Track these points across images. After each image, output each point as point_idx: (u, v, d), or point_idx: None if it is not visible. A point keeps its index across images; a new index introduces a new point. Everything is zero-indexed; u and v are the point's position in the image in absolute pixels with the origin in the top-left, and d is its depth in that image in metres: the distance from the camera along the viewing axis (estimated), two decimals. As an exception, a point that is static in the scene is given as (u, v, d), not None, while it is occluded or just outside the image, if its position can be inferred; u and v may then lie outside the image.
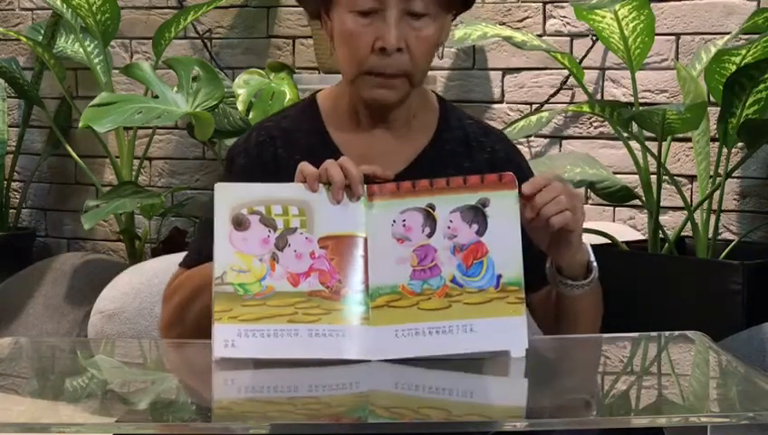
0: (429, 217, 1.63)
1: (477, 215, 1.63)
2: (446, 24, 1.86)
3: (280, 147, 1.87)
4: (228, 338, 1.54)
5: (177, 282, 1.86)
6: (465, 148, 1.89)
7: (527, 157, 3.64)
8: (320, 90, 1.96)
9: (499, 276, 1.62)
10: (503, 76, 3.72)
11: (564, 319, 1.83)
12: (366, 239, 1.62)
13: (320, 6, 1.85)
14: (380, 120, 1.87)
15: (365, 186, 1.65)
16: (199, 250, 1.83)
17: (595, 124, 3.62)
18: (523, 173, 1.84)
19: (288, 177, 1.66)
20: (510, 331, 1.60)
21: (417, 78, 1.82)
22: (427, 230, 1.63)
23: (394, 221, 1.63)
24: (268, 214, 1.60)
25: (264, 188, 1.63)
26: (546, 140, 3.68)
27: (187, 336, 1.79)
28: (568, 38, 3.64)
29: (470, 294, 1.61)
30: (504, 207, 1.64)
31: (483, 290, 1.61)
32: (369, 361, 1.56)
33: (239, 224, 1.59)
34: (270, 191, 1.62)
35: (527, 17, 3.68)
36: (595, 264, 1.79)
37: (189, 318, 1.79)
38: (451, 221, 1.63)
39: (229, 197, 1.61)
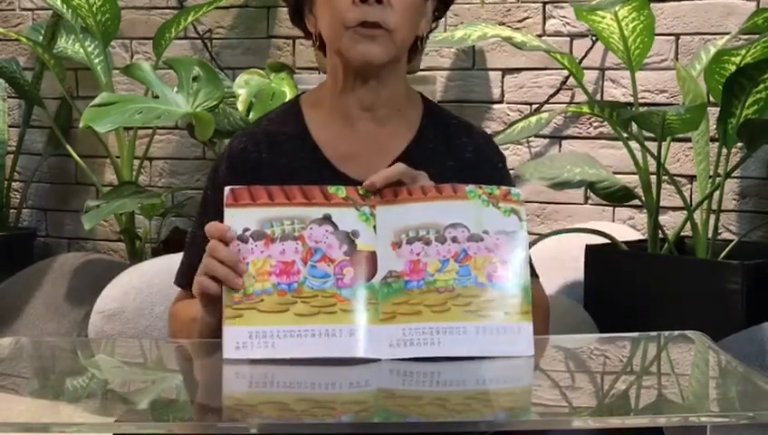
0: (431, 221, 1.64)
1: (479, 221, 1.65)
2: (425, 5, 1.86)
3: (264, 151, 1.87)
4: (239, 340, 1.57)
5: (172, 310, 1.91)
6: (447, 146, 1.89)
7: (527, 157, 3.67)
8: (303, 92, 1.97)
9: (506, 281, 1.62)
10: (502, 76, 3.73)
11: None
12: (369, 244, 1.63)
13: (302, 2, 1.88)
14: (366, 107, 1.86)
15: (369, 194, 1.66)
16: (190, 267, 1.85)
17: (595, 124, 3.62)
18: (499, 173, 1.88)
19: (272, 181, 1.67)
20: (517, 335, 1.61)
21: (398, 34, 1.80)
22: (433, 234, 1.64)
23: (397, 225, 1.64)
24: (279, 225, 1.62)
25: (271, 208, 1.64)
26: (546, 141, 3.68)
27: None
28: (568, 38, 3.64)
29: (476, 297, 1.61)
30: (505, 215, 1.65)
31: (490, 294, 1.62)
32: (380, 359, 1.57)
33: (246, 237, 1.61)
34: (275, 210, 1.64)
35: (527, 17, 3.68)
36: None
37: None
38: (454, 226, 1.64)
39: (239, 212, 1.63)
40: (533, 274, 1.81)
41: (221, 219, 1.63)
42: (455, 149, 1.89)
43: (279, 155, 1.86)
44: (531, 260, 1.69)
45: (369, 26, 1.78)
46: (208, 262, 1.62)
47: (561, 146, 3.67)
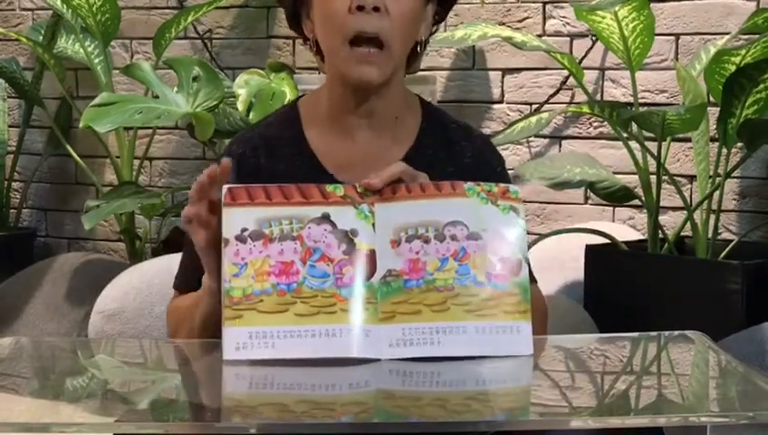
0: (430, 218, 1.64)
1: (478, 219, 1.64)
2: (425, 9, 1.85)
3: (262, 157, 1.86)
4: (239, 341, 1.56)
5: (171, 305, 1.90)
6: (447, 152, 1.88)
7: (527, 157, 3.66)
8: (302, 95, 1.96)
9: (505, 280, 1.62)
10: (502, 76, 3.72)
11: None
12: (368, 242, 1.62)
13: (300, 7, 1.85)
14: (363, 116, 1.85)
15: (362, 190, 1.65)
16: (186, 268, 1.86)
17: (595, 124, 3.62)
18: (498, 177, 1.86)
19: None
20: (516, 334, 1.60)
21: (395, 49, 1.79)
22: (432, 232, 1.63)
23: (396, 223, 1.63)
24: (278, 224, 1.62)
25: (269, 207, 1.63)
26: (546, 141, 3.68)
27: None
28: (568, 38, 3.64)
29: (476, 296, 1.61)
30: (503, 212, 1.65)
31: (489, 293, 1.61)
32: (379, 359, 1.56)
33: (244, 237, 1.61)
34: (273, 210, 1.63)
35: (527, 17, 3.68)
36: None
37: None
38: (453, 224, 1.64)
39: (238, 212, 1.62)
40: (532, 279, 1.80)
41: (220, 219, 1.63)
42: (454, 155, 1.88)
43: (276, 161, 1.85)
44: (530, 265, 1.68)
45: (366, 42, 1.77)
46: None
47: (561, 146, 3.67)
